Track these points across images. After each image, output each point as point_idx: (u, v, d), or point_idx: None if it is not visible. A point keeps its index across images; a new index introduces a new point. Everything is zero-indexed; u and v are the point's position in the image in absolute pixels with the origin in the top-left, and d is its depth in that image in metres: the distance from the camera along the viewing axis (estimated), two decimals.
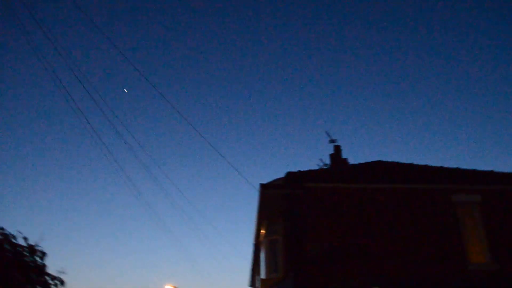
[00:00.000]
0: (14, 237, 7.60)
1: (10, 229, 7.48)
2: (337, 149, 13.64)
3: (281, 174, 11.02)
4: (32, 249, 7.67)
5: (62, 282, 7.76)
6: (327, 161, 13.78)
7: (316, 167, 13.00)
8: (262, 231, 13.92)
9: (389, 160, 12.11)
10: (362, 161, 12.09)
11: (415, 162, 11.96)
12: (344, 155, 13.84)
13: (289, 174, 11.11)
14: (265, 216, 12.69)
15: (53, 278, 7.73)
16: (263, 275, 13.87)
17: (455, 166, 11.98)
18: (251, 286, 23.99)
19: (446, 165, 11.90)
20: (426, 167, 11.73)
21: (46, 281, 7.73)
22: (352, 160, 13.65)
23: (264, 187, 11.04)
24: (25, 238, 7.59)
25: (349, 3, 51.64)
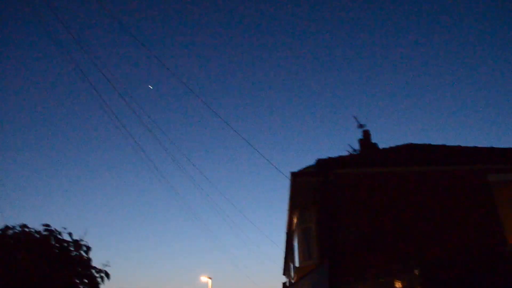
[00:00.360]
0: (59, 233, 7.95)
1: (55, 225, 7.79)
2: (366, 134, 13.53)
3: (310, 162, 11.05)
4: (77, 244, 8.01)
5: (107, 275, 8.09)
6: (356, 146, 13.70)
7: (346, 153, 12.94)
8: (295, 220, 14.00)
9: (420, 142, 11.94)
10: (393, 145, 11.97)
11: (448, 144, 11.78)
12: (374, 139, 13.73)
13: (319, 161, 11.11)
14: (297, 204, 12.75)
15: (98, 271, 8.06)
16: (297, 263, 13.99)
17: (490, 145, 11.72)
18: (284, 274, 24.21)
19: (480, 145, 11.65)
20: (459, 148, 11.54)
21: (91, 274, 8.08)
22: (382, 145, 13.53)
23: (295, 176, 11.09)
24: (70, 234, 7.94)
25: None
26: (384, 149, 12.45)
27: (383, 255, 10.01)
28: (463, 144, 11.67)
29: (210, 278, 30.20)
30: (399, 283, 9.11)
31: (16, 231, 7.92)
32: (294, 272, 15.94)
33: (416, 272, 9.00)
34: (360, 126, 13.43)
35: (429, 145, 11.79)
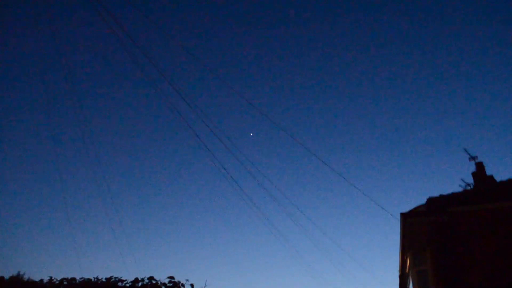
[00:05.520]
0: (183, 284, 8.48)
1: (178, 277, 8.39)
2: (480, 166, 12.66)
3: (420, 201, 10.62)
4: None
5: None
6: (470, 181, 12.85)
7: (459, 189, 12.19)
8: (408, 261, 13.32)
9: None
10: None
11: None
12: (489, 172, 12.78)
13: (430, 200, 10.67)
14: (409, 246, 12.17)
15: None
16: None
17: None
18: None
19: None
20: None
21: None
22: (499, 177, 12.50)
23: (405, 216, 10.69)
24: (192, 285, 8.41)
25: None
26: (502, 181, 11.50)
27: None
28: None
29: None
30: None
31: (145, 283, 8.63)
32: None
33: None
34: (472, 158, 12.64)
35: None
